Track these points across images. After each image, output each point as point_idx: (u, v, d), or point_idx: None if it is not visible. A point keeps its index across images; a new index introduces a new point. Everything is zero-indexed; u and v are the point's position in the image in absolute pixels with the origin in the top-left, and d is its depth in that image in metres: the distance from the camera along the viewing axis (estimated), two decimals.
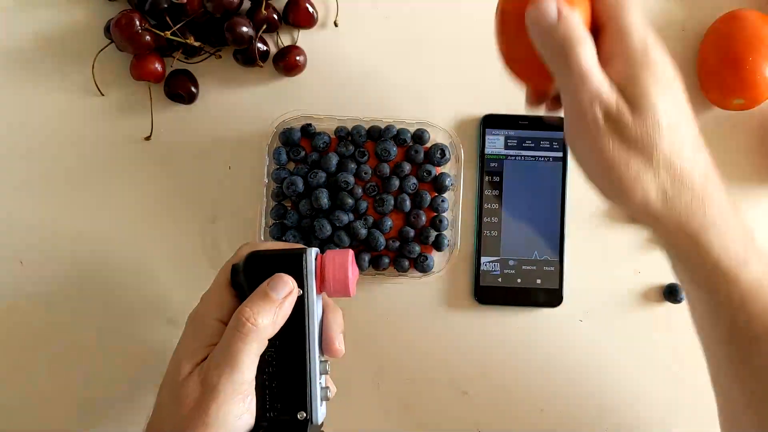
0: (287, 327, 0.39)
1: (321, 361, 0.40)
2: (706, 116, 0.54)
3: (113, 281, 0.52)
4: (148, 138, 0.53)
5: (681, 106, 0.35)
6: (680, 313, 0.53)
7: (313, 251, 0.40)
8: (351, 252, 0.41)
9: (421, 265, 0.51)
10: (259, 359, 0.38)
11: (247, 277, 0.40)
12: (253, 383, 0.38)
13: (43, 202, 0.52)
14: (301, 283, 0.39)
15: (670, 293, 0.52)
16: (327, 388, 0.41)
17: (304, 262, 0.39)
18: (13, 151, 0.52)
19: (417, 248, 0.51)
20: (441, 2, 0.54)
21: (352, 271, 0.41)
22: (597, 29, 0.35)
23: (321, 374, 0.40)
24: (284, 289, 0.38)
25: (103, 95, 0.53)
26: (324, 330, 0.41)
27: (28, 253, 0.52)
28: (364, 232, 0.51)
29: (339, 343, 0.41)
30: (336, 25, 0.54)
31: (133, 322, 0.52)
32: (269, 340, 0.38)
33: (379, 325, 0.52)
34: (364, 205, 0.51)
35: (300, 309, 0.39)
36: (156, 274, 0.52)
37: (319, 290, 0.40)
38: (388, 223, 0.51)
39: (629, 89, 0.34)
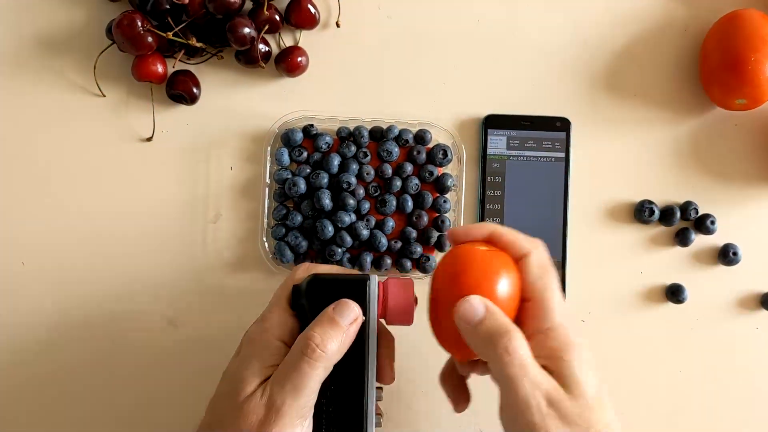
0: (348, 353, 0.39)
1: (376, 389, 0.40)
2: (708, 116, 0.54)
3: (114, 282, 0.52)
4: (149, 139, 0.53)
5: (593, 370, 0.37)
6: (682, 313, 0.53)
7: (376, 279, 0.40)
8: (412, 282, 0.42)
9: (423, 266, 0.51)
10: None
11: (310, 299, 0.40)
12: (313, 408, 0.37)
13: (44, 203, 0.52)
14: (363, 309, 0.39)
15: (673, 293, 0.52)
16: (380, 415, 0.41)
17: (368, 290, 0.40)
18: (15, 152, 0.52)
19: (419, 249, 0.51)
20: (443, 3, 0.54)
21: (413, 300, 0.41)
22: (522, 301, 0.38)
23: (375, 401, 0.40)
24: (350, 316, 0.39)
25: (104, 96, 0.53)
26: (378, 357, 0.41)
27: (29, 254, 0.52)
28: (366, 233, 0.50)
29: (392, 371, 0.42)
30: (338, 25, 0.54)
31: (135, 322, 0.52)
32: None
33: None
34: (366, 205, 0.51)
35: (360, 336, 0.39)
36: (157, 275, 0.52)
37: (380, 317, 0.41)
38: (390, 223, 0.51)
39: (558, 370, 0.36)
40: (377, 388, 0.41)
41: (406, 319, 0.41)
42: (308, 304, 0.40)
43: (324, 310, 0.39)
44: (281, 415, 0.36)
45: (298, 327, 0.39)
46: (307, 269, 0.42)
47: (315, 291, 0.40)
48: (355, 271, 0.44)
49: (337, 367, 0.38)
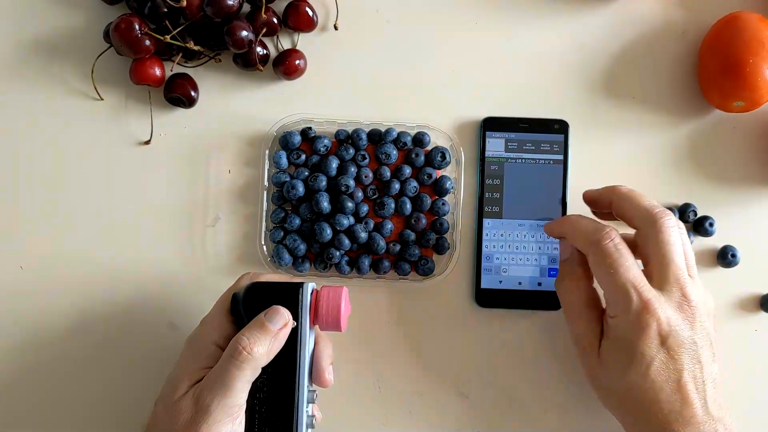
0: (280, 356, 0.41)
1: (309, 391, 0.43)
2: (706, 119, 0.54)
3: (113, 285, 0.52)
4: (147, 142, 0.53)
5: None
6: None
7: (310, 286, 0.43)
8: (345, 289, 0.44)
9: (422, 269, 0.51)
10: (251, 385, 0.40)
11: (246, 306, 0.42)
12: (244, 406, 0.40)
13: (42, 207, 0.52)
14: (295, 315, 0.42)
15: None
16: (313, 416, 0.44)
17: (300, 297, 0.42)
18: (13, 156, 0.52)
19: (418, 251, 0.51)
20: (441, 6, 0.54)
21: (345, 308, 0.44)
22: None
23: (308, 403, 0.43)
24: (280, 321, 0.41)
25: (102, 99, 0.53)
26: (315, 361, 0.44)
27: (27, 258, 0.52)
28: (364, 235, 0.50)
29: (328, 374, 0.45)
30: (336, 28, 0.54)
31: (134, 325, 0.52)
32: (262, 368, 0.41)
33: (379, 328, 0.52)
34: (364, 208, 0.51)
35: (293, 340, 0.42)
36: (156, 278, 0.52)
37: (312, 323, 0.43)
38: (389, 226, 0.51)
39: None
40: (311, 390, 0.43)
41: (336, 326, 0.43)
42: (245, 310, 0.42)
43: (257, 315, 0.42)
44: (209, 414, 0.38)
45: (234, 332, 0.42)
46: (251, 278, 0.45)
47: (251, 298, 0.43)
48: (297, 279, 0.46)
49: (271, 369, 0.41)
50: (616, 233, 0.44)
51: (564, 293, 0.47)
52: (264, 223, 0.51)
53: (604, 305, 0.46)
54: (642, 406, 0.42)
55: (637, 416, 0.43)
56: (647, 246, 0.44)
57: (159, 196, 0.52)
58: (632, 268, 0.42)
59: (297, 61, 0.52)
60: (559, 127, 0.53)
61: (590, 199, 0.49)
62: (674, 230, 0.43)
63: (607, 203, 0.47)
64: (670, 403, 0.41)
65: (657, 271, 0.43)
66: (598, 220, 0.46)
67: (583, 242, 0.45)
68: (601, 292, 0.45)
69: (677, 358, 0.41)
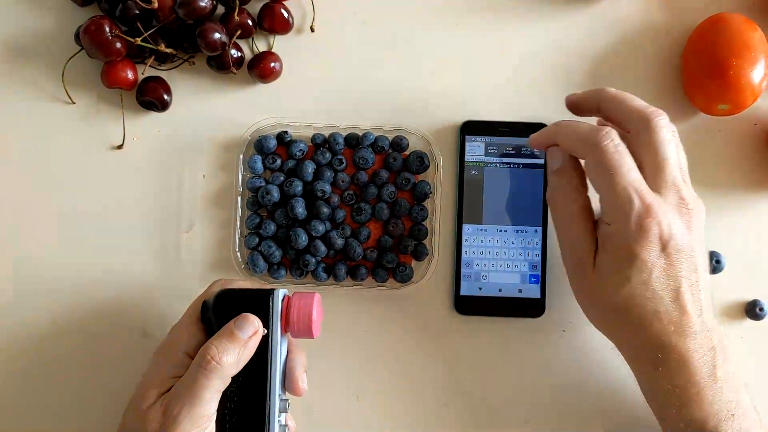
0: (251, 364, 0.40)
1: (282, 399, 0.42)
2: (690, 122, 0.53)
3: (85, 291, 0.51)
4: (120, 146, 0.52)
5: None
6: None
7: (281, 292, 0.42)
8: (317, 295, 0.43)
9: (400, 275, 0.50)
10: (221, 394, 0.39)
11: (216, 314, 0.41)
12: (213, 417, 0.39)
13: (11, 211, 0.51)
14: (266, 323, 0.41)
15: None
16: (286, 425, 0.43)
17: (270, 303, 0.41)
18: None
19: (396, 258, 0.50)
20: (419, 8, 0.53)
21: (317, 314, 0.43)
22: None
23: (281, 412, 0.42)
24: (250, 329, 0.40)
25: (73, 103, 0.52)
26: (288, 369, 0.43)
27: None
28: (341, 241, 0.49)
29: (302, 382, 0.43)
30: (312, 30, 0.53)
31: (106, 333, 0.51)
32: (233, 377, 0.40)
33: (358, 337, 0.51)
34: (341, 214, 0.50)
35: (264, 348, 0.41)
36: (129, 285, 0.51)
37: (284, 331, 0.42)
38: (366, 232, 0.50)
39: None
40: (284, 399, 0.42)
41: (308, 333, 0.42)
42: (215, 318, 0.42)
43: (227, 323, 0.40)
44: (177, 424, 0.37)
45: (204, 341, 0.41)
46: (222, 285, 0.44)
47: (222, 305, 0.42)
48: (269, 286, 0.45)
49: (242, 378, 0.40)
50: (615, 133, 0.41)
51: (558, 204, 0.44)
52: (238, 229, 0.50)
53: (596, 216, 0.43)
54: (640, 319, 0.40)
55: (635, 331, 0.41)
56: (641, 148, 0.42)
57: (132, 201, 0.51)
58: (633, 170, 0.40)
59: (272, 64, 0.51)
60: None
61: (573, 103, 0.46)
62: (668, 130, 0.42)
63: (593, 107, 0.45)
64: (668, 313, 0.40)
65: (653, 173, 0.41)
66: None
67: (580, 145, 0.42)
68: (594, 201, 0.43)
69: (677, 265, 0.40)
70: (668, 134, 0.42)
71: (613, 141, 0.41)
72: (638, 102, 0.43)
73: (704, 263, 0.42)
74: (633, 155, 0.42)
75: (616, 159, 0.40)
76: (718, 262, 0.51)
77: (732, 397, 0.41)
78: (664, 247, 0.40)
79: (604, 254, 0.41)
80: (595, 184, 0.42)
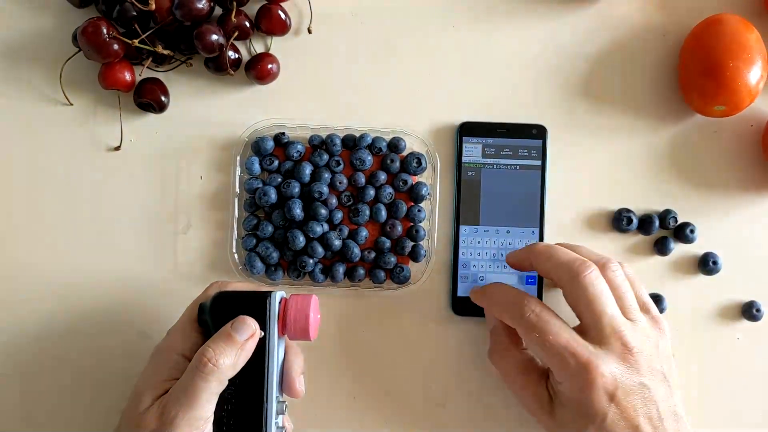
0: (248, 367, 0.40)
1: (279, 402, 0.42)
2: (687, 123, 0.53)
3: (82, 293, 0.51)
4: (117, 148, 0.52)
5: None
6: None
7: (278, 295, 0.42)
8: (314, 298, 0.43)
9: (397, 277, 0.50)
10: (218, 397, 0.39)
11: (213, 316, 0.41)
12: (211, 419, 0.39)
13: (8, 213, 0.51)
14: (263, 325, 0.41)
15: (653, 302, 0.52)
16: (283, 427, 0.43)
17: (267, 306, 0.41)
18: None
19: (393, 259, 0.50)
20: (417, 9, 0.53)
21: (314, 316, 0.43)
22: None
23: (278, 414, 0.41)
24: (247, 332, 0.40)
25: (71, 104, 0.52)
26: (285, 371, 0.43)
27: None
28: (338, 243, 0.49)
29: (299, 384, 0.43)
30: (310, 31, 0.53)
31: (103, 334, 0.51)
32: (230, 379, 0.40)
33: (354, 337, 0.51)
34: (338, 215, 0.50)
35: (261, 350, 0.41)
36: (126, 286, 0.51)
37: (282, 333, 0.42)
38: (364, 233, 0.50)
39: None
40: (281, 401, 0.42)
41: (305, 335, 0.42)
42: (212, 320, 0.42)
43: (224, 326, 0.40)
44: (174, 427, 0.38)
45: (201, 343, 0.41)
46: (219, 287, 0.44)
47: (218, 308, 0.42)
48: (266, 288, 0.45)
49: (239, 380, 0.40)
50: (535, 301, 0.43)
51: (498, 364, 0.47)
52: (236, 231, 0.50)
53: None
54: None
55: None
56: (576, 302, 0.43)
57: (129, 202, 0.51)
58: (561, 332, 0.42)
59: (269, 65, 0.51)
60: (538, 132, 0.52)
61: (512, 264, 0.48)
62: (598, 281, 0.42)
63: (528, 265, 0.46)
64: None
65: (591, 326, 0.42)
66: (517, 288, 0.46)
67: (506, 317, 0.45)
68: None
69: (629, 407, 0.41)
70: (599, 286, 0.42)
71: (533, 311, 0.43)
72: (565, 256, 0.44)
73: (665, 391, 0.42)
74: (572, 306, 0.44)
75: (540, 327, 0.42)
76: (715, 263, 0.52)
77: None
78: (611, 396, 0.40)
79: (560, 408, 0.43)
80: (532, 350, 0.45)
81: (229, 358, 0.39)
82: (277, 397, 0.42)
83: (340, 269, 0.50)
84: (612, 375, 0.41)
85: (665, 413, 0.41)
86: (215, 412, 0.39)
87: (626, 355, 0.41)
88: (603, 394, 0.40)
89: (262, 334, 0.41)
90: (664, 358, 0.43)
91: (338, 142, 0.51)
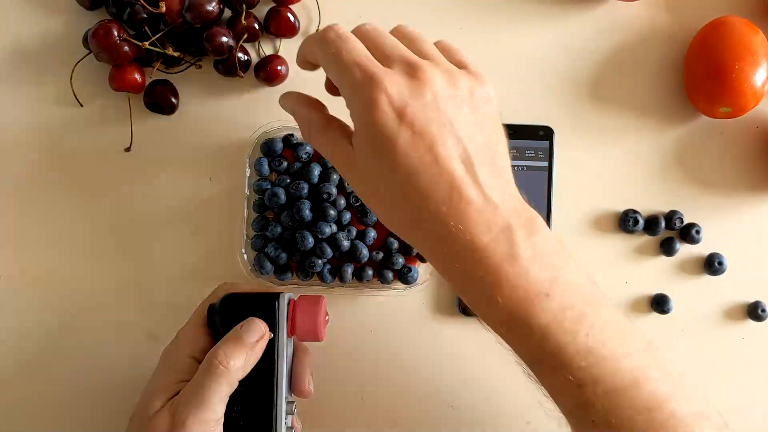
0: (257, 368, 0.41)
1: (288, 402, 0.42)
2: (692, 125, 0.54)
3: (93, 295, 0.51)
4: (127, 149, 0.52)
5: None
6: (668, 323, 0.52)
7: (287, 296, 0.42)
8: (323, 299, 0.43)
9: (405, 277, 0.51)
10: (228, 398, 0.39)
11: (222, 317, 0.42)
12: (221, 421, 0.39)
13: (19, 215, 0.52)
14: (273, 327, 0.41)
15: (658, 304, 0.52)
16: (292, 428, 0.43)
17: (276, 307, 0.42)
18: None
19: (401, 260, 0.51)
20: (425, 11, 0.54)
21: (322, 318, 0.43)
22: None
23: (287, 414, 0.42)
24: (256, 333, 0.40)
25: (81, 106, 0.52)
26: (294, 372, 0.43)
27: (4, 267, 0.51)
28: (347, 243, 0.50)
29: (308, 384, 0.43)
30: None
31: (113, 335, 0.51)
32: (239, 380, 0.40)
33: (362, 338, 0.52)
34: (347, 216, 0.50)
35: (270, 351, 0.41)
36: (136, 287, 0.52)
37: (290, 334, 0.42)
38: (372, 234, 0.51)
39: None
40: (290, 401, 0.42)
41: (314, 336, 0.43)
42: (221, 321, 0.42)
43: (234, 328, 0.41)
44: (186, 429, 0.37)
45: (211, 344, 0.41)
46: (227, 288, 0.44)
47: (228, 309, 0.42)
48: (275, 289, 0.45)
49: (248, 381, 0.40)
50: (339, 26, 0.39)
51: (311, 133, 0.41)
52: (245, 231, 0.51)
53: None
54: (411, 203, 0.35)
55: (414, 221, 0.36)
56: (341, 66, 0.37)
57: (139, 203, 0.52)
58: (355, 49, 0.37)
59: (279, 67, 0.51)
60: (544, 133, 0.52)
61: (300, 66, 0.43)
62: (343, 32, 0.38)
63: (308, 64, 0.42)
64: (436, 191, 0.35)
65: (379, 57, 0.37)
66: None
67: (312, 46, 0.40)
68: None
69: (426, 135, 0.35)
70: (362, 29, 0.39)
71: (335, 30, 0.38)
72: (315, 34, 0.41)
73: (483, 134, 0.36)
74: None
75: (338, 44, 0.37)
76: (720, 263, 0.52)
77: (545, 275, 0.35)
78: (401, 116, 0.35)
79: (356, 141, 0.37)
80: (330, 75, 0.39)
81: (239, 359, 0.39)
82: (286, 397, 0.42)
83: (349, 270, 0.50)
84: (398, 91, 0.35)
85: (479, 158, 0.35)
86: (225, 414, 0.39)
87: (414, 74, 0.36)
88: (390, 113, 0.35)
89: (272, 335, 0.41)
90: (481, 107, 0.38)
91: None
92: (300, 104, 0.42)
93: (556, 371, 0.35)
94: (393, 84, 0.35)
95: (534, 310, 0.34)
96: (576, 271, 0.36)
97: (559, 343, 0.34)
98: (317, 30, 0.53)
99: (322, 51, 0.39)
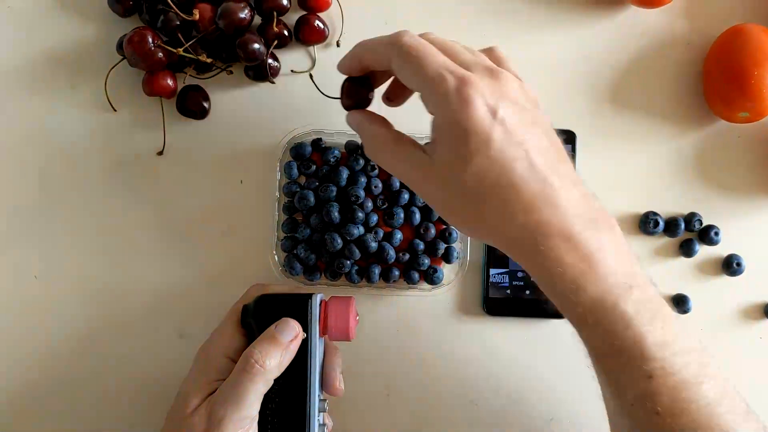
0: (291, 367, 0.42)
1: (320, 400, 0.43)
2: (711, 129, 0.55)
3: (126, 295, 0.53)
4: (160, 153, 0.53)
5: None
6: (687, 321, 0.53)
7: (318, 297, 0.44)
8: (353, 300, 0.45)
9: (430, 278, 0.52)
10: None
11: (256, 318, 0.43)
12: (257, 419, 0.40)
13: (56, 218, 0.53)
14: (305, 327, 0.43)
15: (677, 304, 0.53)
16: (324, 425, 0.44)
17: (309, 308, 0.43)
18: (26, 168, 0.53)
19: (427, 261, 0.52)
20: (448, 17, 0.55)
21: (353, 318, 0.44)
22: None
23: (320, 412, 0.43)
24: (291, 333, 0.42)
25: (115, 111, 0.53)
26: (325, 371, 0.45)
27: (41, 268, 0.52)
28: (374, 245, 0.51)
29: (339, 383, 0.45)
30: (338, 45, 0.54)
31: (146, 336, 0.52)
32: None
33: (389, 337, 0.53)
34: (374, 218, 0.52)
35: (303, 351, 0.42)
36: (167, 287, 0.53)
37: (322, 334, 0.44)
38: (398, 236, 0.52)
39: None
40: (322, 399, 0.44)
41: (345, 336, 0.44)
42: (255, 322, 0.43)
43: (268, 328, 0.42)
44: (222, 427, 0.38)
45: (245, 344, 0.42)
46: (259, 289, 0.45)
47: (262, 310, 0.43)
48: (306, 289, 0.46)
49: (282, 380, 0.41)
50: (410, 32, 0.40)
51: (377, 150, 0.43)
52: (275, 233, 0.52)
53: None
54: (497, 198, 0.36)
55: (499, 214, 0.37)
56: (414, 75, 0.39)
57: (171, 206, 0.53)
58: (438, 54, 0.38)
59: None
60: (567, 137, 0.53)
61: (346, 70, 0.44)
62: (419, 38, 0.39)
63: (360, 67, 0.43)
64: (527, 184, 0.36)
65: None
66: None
67: (383, 51, 0.40)
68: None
69: (519, 130, 0.37)
70: (430, 38, 0.40)
71: (411, 36, 0.39)
72: (383, 37, 0.41)
73: (552, 135, 0.39)
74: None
75: (420, 49, 0.38)
76: (738, 264, 0.53)
77: (626, 267, 0.37)
78: (494, 113, 0.36)
79: (437, 145, 0.38)
80: (409, 81, 0.39)
81: (274, 359, 0.40)
82: (318, 395, 0.43)
83: (376, 270, 0.52)
84: (491, 91, 0.37)
85: (558, 153, 0.38)
86: (260, 412, 0.40)
87: (496, 77, 0.38)
88: (483, 109, 0.36)
89: (305, 335, 0.43)
90: (542, 112, 0.40)
91: None
92: (367, 121, 0.44)
93: (630, 361, 0.36)
94: (485, 85, 0.37)
95: (622, 299, 0.36)
96: (640, 268, 0.38)
97: (640, 332, 0.35)
98: (339, 37, 0.54)
99: (400, 56, 0.39)
